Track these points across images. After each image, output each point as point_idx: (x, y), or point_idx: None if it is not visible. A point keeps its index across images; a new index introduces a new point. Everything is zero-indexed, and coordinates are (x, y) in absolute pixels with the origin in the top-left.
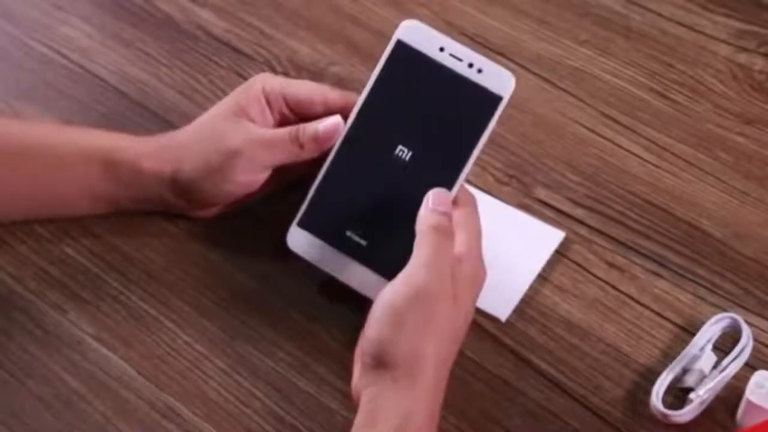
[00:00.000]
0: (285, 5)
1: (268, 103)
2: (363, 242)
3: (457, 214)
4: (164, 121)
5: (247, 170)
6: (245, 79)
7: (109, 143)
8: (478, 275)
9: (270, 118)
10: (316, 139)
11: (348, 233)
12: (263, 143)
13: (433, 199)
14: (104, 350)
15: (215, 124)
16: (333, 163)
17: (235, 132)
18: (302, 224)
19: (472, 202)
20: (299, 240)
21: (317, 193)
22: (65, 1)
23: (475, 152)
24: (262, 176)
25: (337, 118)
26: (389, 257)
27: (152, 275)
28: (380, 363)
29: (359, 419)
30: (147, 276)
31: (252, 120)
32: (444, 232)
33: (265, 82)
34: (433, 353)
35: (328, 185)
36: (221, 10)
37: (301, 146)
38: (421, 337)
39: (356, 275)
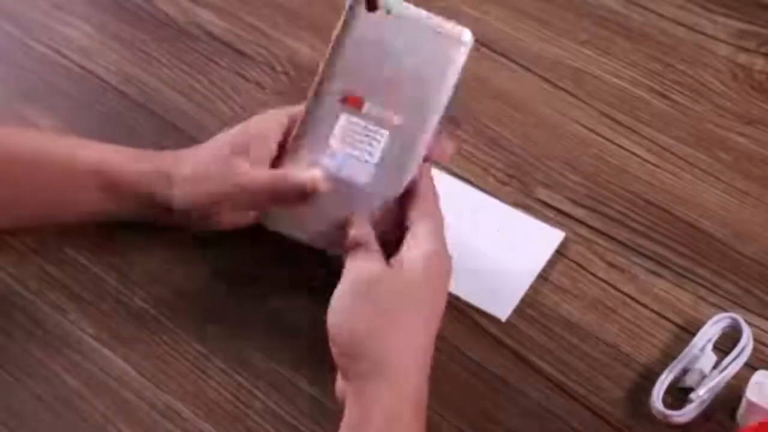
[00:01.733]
0: (285, 5)
1: (270, 139)
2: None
3: (421, 206)
4: (165, 121)
5: (232, 212)
6: (245, 79)
7: (104, 160)
8: (440, 255)
9: (273, 150)
10: (295, 192)
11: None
12: (247, 191)
13: (352, 223)
14: (104, 350)
15: (210, 163)
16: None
17: (224, 177)
18: None
19: (433, 191)
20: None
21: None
22: (65, 1)
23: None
24: (249, 216)
25: (316, 172)
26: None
27: (152, 275)
28: (349, 358)
29: (346, 424)
30: (147, 276)
31: (248, 156)
32: (364, 245)
33: (265, 120)
34: (402, 337)
35: None
36: (221, 10)
37: (283, 198)
38: (380, 323)
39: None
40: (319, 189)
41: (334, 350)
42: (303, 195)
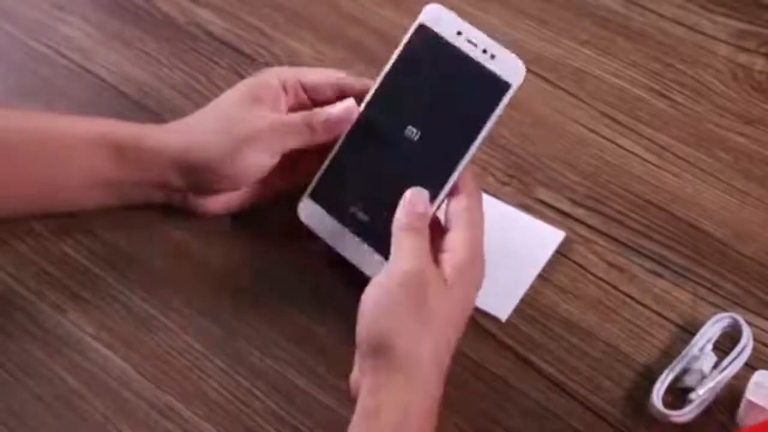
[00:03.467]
0: (285, 5)
1: (285, 90)
2: (366, 219)
3: (460, 204)
4: (164, 121)
5: (258, 155)
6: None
7: (113, 125)
8: (466, 258)
9: (284, 106)
10: (328, 123)
11: (352, 209)
12: (277, 128)
13: (410, 200)
14: (104, 350)
15: (230, 108)
16: (347, 138)
17: (251, 117)
18: (313, 196)
19: (476, 194)
20: (310, 212)
21: (330, 167)
22: (65, 1)
23: (480, 138)
24: (272, 161)
25: (349, 102)
26: (389, 237)
27: (152, 275)
28: (376, 352)
29: (359, 413)
30: (147, 276)
31: (264, 106)
32: (417, 231)
33: (279, 71)
34: (430, 339)
35: (341, 159)
36: (221, 10)
37: (313, 130)
38: (415, 324)
39: (358, 252)
40: (350, 115)
41: (362, 338)
42: (329, 125)
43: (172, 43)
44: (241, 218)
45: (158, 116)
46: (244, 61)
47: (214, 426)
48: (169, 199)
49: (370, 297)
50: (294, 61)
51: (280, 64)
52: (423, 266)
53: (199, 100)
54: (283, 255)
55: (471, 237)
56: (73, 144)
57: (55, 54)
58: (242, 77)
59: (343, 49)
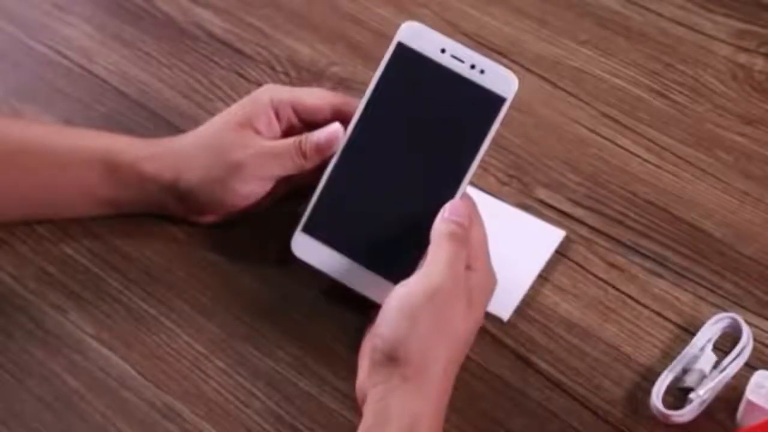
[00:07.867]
0: (285, 5)
1: (277, 113)
2: (368, 246)
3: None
4: (164, 121)
5: (249, 182)
6: (246, 79)
7: (110, 145)
8: (488, 282)
9: (277, 129)
10: (318, 148)
11: (352, 237)
12: (268, 155)
13: (450, 210)
14: (104, 350)
15: (220, 135)
16: (336, 167)
17: (240, 144)
18: (307, 230)
19: (474, 209)
20: (304, 246)
21: (321, 198)
22: (65, 1)
23: (479, 155)
24: (265, 188)
25: (336, 126)
26: (394, 260)
27: (152, 275)
28: (391, 360)
29: (368, 419)
30: (147, 276)
31: (258, 131)
32: (459, 240)
33: (272, 92)
34: (445, 354)
35: (332, 189)
36: (221, 10)
37: (305, 156)
38: (434, 337)
39: (362, 279)
40: (337, 138)
41: (378, 343)
42: (320, 150)
43: (172, 43)
44: (243, 219)
45: (159, 116)
46: (244, 61)
47: (214, 426)
48: (168, 212)
49: (395, 303)
50: (294, 60)
51: (280, 63)
52: (454, 284)
53: (199, 100)
54: (283, 254)
55: (483, 255)
56: (70, 162)
57: (55, 54)
58: (242, 77)
59: (343, 49)
